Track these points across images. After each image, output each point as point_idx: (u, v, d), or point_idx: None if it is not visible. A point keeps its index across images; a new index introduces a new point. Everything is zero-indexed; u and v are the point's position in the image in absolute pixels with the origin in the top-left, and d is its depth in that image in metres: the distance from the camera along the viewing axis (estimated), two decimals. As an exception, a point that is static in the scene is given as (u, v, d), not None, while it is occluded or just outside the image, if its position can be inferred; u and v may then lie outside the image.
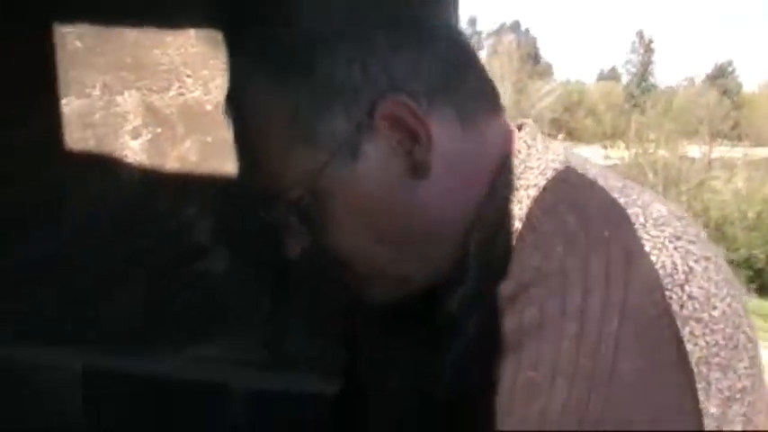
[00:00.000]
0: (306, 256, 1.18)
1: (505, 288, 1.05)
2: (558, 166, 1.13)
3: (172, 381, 2.04)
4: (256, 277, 2.02)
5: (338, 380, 1.55)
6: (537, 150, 1.15)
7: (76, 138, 2.11)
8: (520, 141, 1.16)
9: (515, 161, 1.14)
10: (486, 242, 1.12)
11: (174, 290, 2.08)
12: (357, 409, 1.40)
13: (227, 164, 1.97)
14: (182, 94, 2.05)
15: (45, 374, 2.13)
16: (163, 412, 2.05)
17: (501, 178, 1.13)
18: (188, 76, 2.05)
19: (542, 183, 1.11)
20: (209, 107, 2.02)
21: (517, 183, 1.12)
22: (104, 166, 2.09)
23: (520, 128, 1.18)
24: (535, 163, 1.14)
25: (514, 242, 1.09)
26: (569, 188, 1.11)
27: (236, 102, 1.14)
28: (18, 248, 2.17)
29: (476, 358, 1.08)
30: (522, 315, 1.03)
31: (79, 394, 2.11)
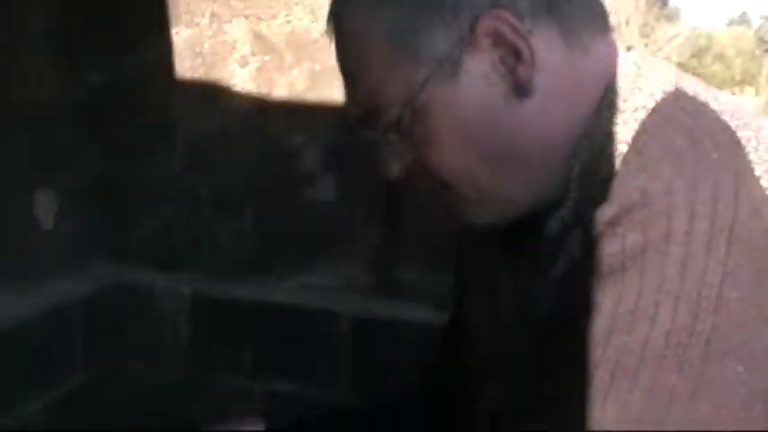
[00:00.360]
0: (406, 176, 1.16)
1: (608, 211, 1.01)
2: (668, 87, 1.08)
3: (280, 306, 2.06)
4: (365, 204, 2.02)
5: (446, 308, 1.54)
6: (646, 71, 1.11)
7: (187, 66, 2.12)
8: (629, 62, 1.12)
9: (623, 82, 1.10)
10: (589, 164, 1.08)
11: (284, 217, 2.09)
12: (461, 340, 1.39)
13: (334, 91, 1.96)
14: (289, 22, 2.05)
15: (156, 298, 2.17)
16: (270, 338, 2.07)
17: (607, 99, 1.09)
18: (296, 3, 2.04)
19: (650, 104, 1.06)
20: (316, 35, 2.01)
21: (624, 104, 1.08)
22: (214, 95, 2.10)
23: (629, 49, 1.14)
24: (644, 84, 1.09)
25: (619, 165, 1.05)
26: (679, 110, 1.06)
27: (336, 20, 1.13)
28: (132, 175, 2.21)
29: (575, 283, 1.05)
30: (624, 239, 0.99)
31: (187, 319, 2.15)
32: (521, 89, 1.07)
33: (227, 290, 2.13)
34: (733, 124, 1.02)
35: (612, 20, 1.14)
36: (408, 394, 1.57)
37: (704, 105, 1.06)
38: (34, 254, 2.05)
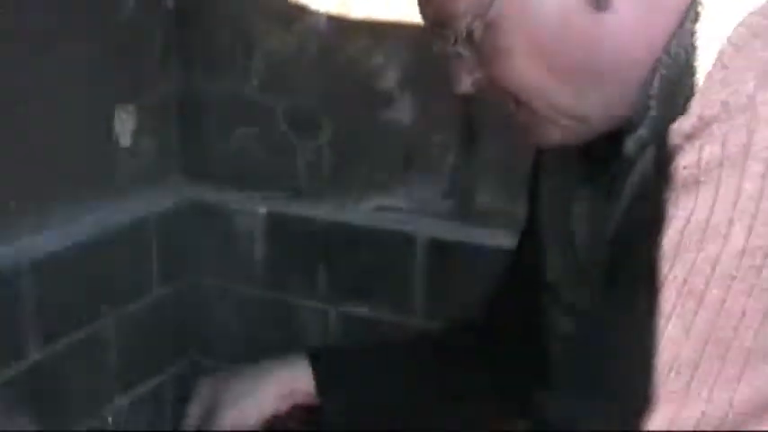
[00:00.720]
0: (477, 91, 1.13)
1: (685, 123, 0.97)
2: (758, 0, 1.04)
3: (355, 229, 2.05)
4: (443, 127, 1.98)
5: (519, 234, 1.51)
6: None
7: (265, -16, 2.10)
8: None
9: None
10: (671, 81, 1.04)
11: (361, 138, 2.07)
12: (533, 264, 1.36)
13: (414, 12, 1.91)
14: (370, -62, 2.01)
15: (232, 217, 2.18)
16: (345, 260, 2.07)
17: (692, 12, 1.04)
18: None
19: (739, 18, 1.02)
20: (396, -49, 1.97)
21: (710, 17, 1.03)
22: (293, 13, 2.07)
23: None
24: None
25: (702, 82, 1.01)
26: None
27: None
28: (210, 94, 2.20)
29: (647, 199, 1.02)
30: (701, 151, 0.95)
31: (262, 239, 2.15)
32: (599, 1, 1.03)
33: (302, 210, 2.12)
34: None
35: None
36: (480, 319, 1.56)
37: None
38: (112, 170, 2.06)
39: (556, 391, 1.09)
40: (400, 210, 2.04)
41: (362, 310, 2.06)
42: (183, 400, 2.24)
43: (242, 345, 2.21)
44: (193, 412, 1.52)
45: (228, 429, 1.47)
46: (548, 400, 1.07)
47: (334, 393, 1.50)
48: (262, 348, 2.01)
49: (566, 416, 1.02)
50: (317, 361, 1.51)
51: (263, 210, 2.14)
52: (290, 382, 1.49)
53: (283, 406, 1.51)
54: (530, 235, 1.42)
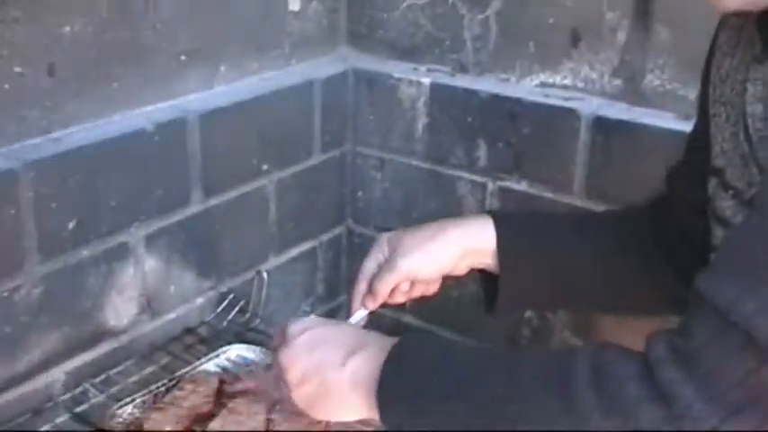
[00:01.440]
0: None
1: None
2: None
3: (519, 104, 2.00)
4: (616, 4, 1.90)
5: (690, 118, 1.47)
6: None
7: None
8: None
9: None
10: None
11: (529, 12, 2.01)
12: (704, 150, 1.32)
13: None
14: None
15: (395, 87, 2.17)
16: (506, 135, 2.04)
17: None
18: None
19: None
20: None
21: None
22: None
23: None
24: None
25: None
26: None
27: None
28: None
29: None
30: None
31: (424, 110, 2.14)
32: None
33: (466, 83, 2.09)
34: None
35: None
36: (644, 201, 1.52)
37: None
38: (280, 32, 2.08)
39: (717, 277, 1.05)
40: (565, 87, 1.99)
41: (521, 186, 2.03)
42: (336, 266, 2.31)
43: (398, 215, 2.21)
44: (369, 262, 1.50)
45: (403, 279, 1.45)
46: (708, 286, 1.03)
47: (513, 259, 1.45)
48: (418, 220, 2.01)
49: (726, 302, 0.99)
50: (501, 223, 1.47)
51: (426, 81, 2.12)
52: (470, 241, 1.46)
53: (461, 266, 1.48)
54: (701, 118, 1.37)
